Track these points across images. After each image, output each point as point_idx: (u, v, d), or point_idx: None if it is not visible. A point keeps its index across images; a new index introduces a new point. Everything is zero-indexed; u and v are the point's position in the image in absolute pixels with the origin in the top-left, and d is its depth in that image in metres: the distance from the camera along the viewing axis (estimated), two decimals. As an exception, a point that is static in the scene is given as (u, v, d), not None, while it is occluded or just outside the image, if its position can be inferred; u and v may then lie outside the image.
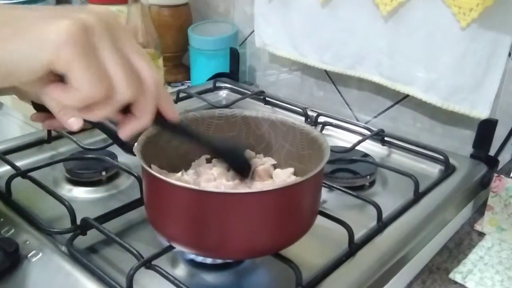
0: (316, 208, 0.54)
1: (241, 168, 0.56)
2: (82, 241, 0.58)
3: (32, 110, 0.73)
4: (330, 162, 0.71)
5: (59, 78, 0.36)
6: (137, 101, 0.39)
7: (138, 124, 0.40)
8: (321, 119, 0.90)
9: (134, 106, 0.39)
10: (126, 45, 0.38)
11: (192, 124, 0.62)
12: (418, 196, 0.69)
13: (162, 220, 0.51)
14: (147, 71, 0.38)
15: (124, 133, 0.41)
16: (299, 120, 0.75)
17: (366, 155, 0.79)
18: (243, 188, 0.57)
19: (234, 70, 1.11)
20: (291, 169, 0.60)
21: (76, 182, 0.72)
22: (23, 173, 0.67)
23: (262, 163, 0.61)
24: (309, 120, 0.91)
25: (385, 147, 0.84)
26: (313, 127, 0.65)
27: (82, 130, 0.82)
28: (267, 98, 1.01)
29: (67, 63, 0.34)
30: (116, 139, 0.62)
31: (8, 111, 1.19)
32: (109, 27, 0.36)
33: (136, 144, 0.53)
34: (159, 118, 0.43)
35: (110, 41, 0.36)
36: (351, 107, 1.00)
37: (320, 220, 0.56)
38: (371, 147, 0.84)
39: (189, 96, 0.99)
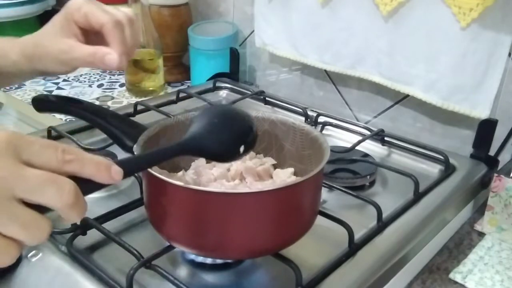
0: (316, 208, 0.54)
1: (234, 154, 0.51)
2: (82, 241, 0.58)
3: (32, 110, 0.73)
4: (330, 162, 0.71)
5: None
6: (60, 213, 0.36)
7: (71, 221, 0.38)
8: (321, 119, 0.90)
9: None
10: (19, 189, 0.33)
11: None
12: (418, 196, 0.69)
13: (162, 220, 0.51)
14: (50, 200, 0.34)
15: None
16: (299, 120, 0.75)
17: (366, 155, 0.79)
18: (243, 188, 0.57)
19: (234, 70, 1.11)
20: (291, 169, 0.60)
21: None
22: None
23: (262, 163, 0.61)
24: (309, 120, 0.91)
25: (385, 147, 0.84)
26: (313, 127, 0.65)
27: (82, 130, 0.83)
28: (267, 98, 1.01)
29: None
30: (116, 139, 0.62)
31: (8, 111, 1.19)
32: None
33: (136, 144, 0.53)
34: (101, 185, 0.38)
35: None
36: (351, 107, 1.00)
37: (320, 220, 0.56)
38: (371, 147, 0.84)
39: (189, 96, 0.99)
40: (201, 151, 0.50)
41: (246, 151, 0.52)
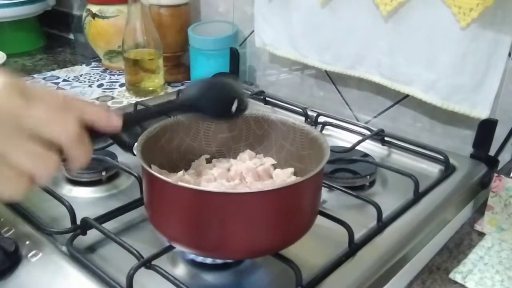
0: (316, 208, 0.54)
1: (228, 112, 0.54)
2: (82, 241, 0.58)
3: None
4: (330, 162, 0.71)
5: None
6: (65, 151, 0.37)
7: (78, 163, 0.38)
8: (321, 119, 0.90)
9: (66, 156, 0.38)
10: (26, 125, 0.35)
11: (192, 124, 0.62)
12: (418, 196, 0.69)
13: (162, 220, 0.51)
14: (55, 135, 0.36)
15: (72, 170, 0.40)
16: (299, 120, 0.75)
17: (366, 155, 0.79)
18: (243, 188, 0.57)
19: (234, 70, 1.11)
20: (291, 169, 0.60)
21: (76, 182, 0.72)
22: (23, 173, 0.67)
23: (262, 163, 0.61)
24: (309, 120, 0.91)
25: (385, 147, 0.84)
26: (313, 127, 0.65)
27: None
28: (267, 98, 1.01)
29: None
30: (116, 139, 0.62)
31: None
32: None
33: (136, 144, 0.53)
34: (103, 135, 0.40)
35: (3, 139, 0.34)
36: (351, 107, 1.00)
37: (320, 220, 0.56)
38: (371, 147, 0.84)
39: (189, 96, 0.99)
40: (197, 107, 0.52)
41: (238, 110, 0.54)
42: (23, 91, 0.36)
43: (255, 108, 0.98)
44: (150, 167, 0.50)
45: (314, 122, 0.90)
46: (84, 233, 0.58)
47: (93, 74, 1.24)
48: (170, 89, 1.16)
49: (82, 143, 0.37)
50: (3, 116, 0.34)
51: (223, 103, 0.54)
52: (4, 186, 0.35)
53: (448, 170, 0.76)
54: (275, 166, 0.62)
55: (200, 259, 0.57)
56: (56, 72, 1.26)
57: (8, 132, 0.34)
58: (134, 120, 0.47)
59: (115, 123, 0.41)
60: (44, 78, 1.21)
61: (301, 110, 0.93)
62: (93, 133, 0.39)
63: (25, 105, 0.35)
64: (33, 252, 0.56)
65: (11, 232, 0.59)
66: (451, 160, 0.77)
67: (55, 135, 0.36)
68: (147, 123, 0.49)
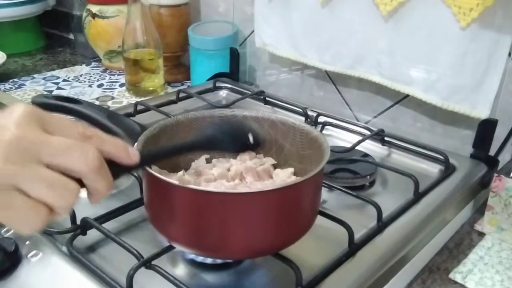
0: (316, 208, 0.54)
1: (245, 144, 0.56)
2: (82, 241, 0.58)
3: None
4: (330, 162, 0.71)
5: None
6: (85, 182, 0.36)
7: (99, 196, 0.38)
8: (321, 119, 0.90)
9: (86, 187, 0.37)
10: (44, 153, 0.34)
11: (192, 124, 0.62)
12: (418, 196, 0.69)
13: (162, 220, 0.51)
14: (75, 164, 0.35)
15: (92, 203, 0.39)
16: (299, 120, 0.75)
17: (366, 155, 0.79)
18: (243, 188, 0.57)
19: (234, 70, 1.11)
20: (291, 169, 0.60)
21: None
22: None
23: (262, 163, 0.61)
24: (309, 120, 0.91)
25: (385, 147, 0.84)
26: (313, 127, 0.65)
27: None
28: (267, 98, 1.01)
29: None
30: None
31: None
32: (23, 153, 0.33)
33: (136, 144, 0.53)
34: (124, 168, 0.39)
35: (26, 168, 0.33)
36: (351, 107, 1.00)
37: (320, 220, 0.56)
38: (371, 147, 0.84)
39: (189, 96, 0.99)
40: (214, 144, 0.53)
41: (256, 143, 0.56)
42: (42, 120, 0.35)
43: (255, 108, 0.98)
44: (150, 167, 0.50)
45: (314, 122, 0.90)
46: (84, 233, 0.58)
47: (93, 74, 1.24)
48: (170, 89, 1.16)
49: (102, 174, 0.36)
50: (21, 144, 0.33)
51: (239, 136, 0.55)
52: (22, 218, 0.34)
53: (448, 170, 0.76)
54: (275, 166, 0.62)
55: (200, 259, 0.57)
56: (56, 72, 1.26)
57: (25, 161, 0.33)
58: (151, 158, 0.46)
59: (134, 158, 0.39)
60: (44, 78, 1.21)
61: (301, 110, 0.93)
62: (111, 165, 0.38)
63: (44, 134, 0.34)
64: (33, 252, 0.56)
65: (11, 232, 0.59)
66: (451, 160, 0.77)
67: (74, 164, 0.34)
68: (162, 161, 0.48)
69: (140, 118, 0.89)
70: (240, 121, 0.56)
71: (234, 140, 0.55)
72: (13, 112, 0.34)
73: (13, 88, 1.14)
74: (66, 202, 0.35)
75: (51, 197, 0.34)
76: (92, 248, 0.58)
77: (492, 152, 0.79)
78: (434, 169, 0.78)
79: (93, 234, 0.58)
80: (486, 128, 0.78)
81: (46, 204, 0.34)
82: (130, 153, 0.39)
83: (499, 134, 0.78)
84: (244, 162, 0.61)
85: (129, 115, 0.89)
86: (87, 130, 0.37)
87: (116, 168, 0.38)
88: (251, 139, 0.55)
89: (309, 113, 0.92)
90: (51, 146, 0.34)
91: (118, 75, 1.23)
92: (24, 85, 1.16)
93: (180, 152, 0.49)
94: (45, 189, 0.33)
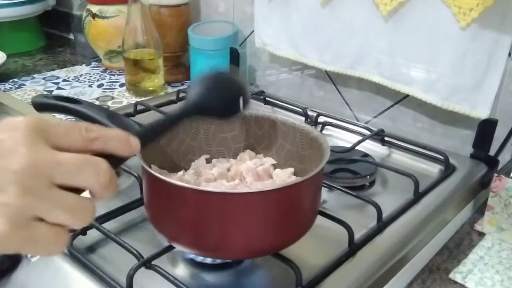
0: (316, 208, 0.54)
1: (235, 109, 0.53)
2: (82, 241, 0.58)
3: (32, 110, 0.73)
4: (330, 162, 0.71)
5: None
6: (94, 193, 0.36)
7: (103, 199, 0.37)
8: (321, 119, 0.90)
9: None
10: (57, 175, 0.33)
11: (192, 124, 0.62)
12: (418, 196, 0.69)
13: (162, 220, 0.51)
14: (87, 183, 0.35)
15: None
16: (299, 120, 0.75)
17: (366, 155, 0.79)
18: (243, 188, 0.57)
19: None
20: (291, 169, 0.60)
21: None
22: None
23: (262, 163, 0.61)
24: (309, 120, 0.91)
25: (385, 147, 0.84)
26: (313, 127, 0.65)
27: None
28: (267, 98, 1.01)
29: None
30: None
31: (8, 110, 1.19)
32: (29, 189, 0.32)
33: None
34: (125, 158, 0.39)
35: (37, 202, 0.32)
36: (351, 107, 1.00)
37: (320, 220, 0.56)
38: (371, 147, 0.84)
39: (189, 96, 0.99)
40: (205, 109, 0.51)
41: (245, 106, 0.53)
42: (47, 132, 0.34)
43: (255, 108, 0.98)
44: (150, 167, 0.50)
45: (314, 122, 0.90)
46: (84, 233, 0.58)
47: (93, 74, 1.24)
48: (170, 89, 1.16)
49: (112, 186, 0.36)
50: (34, 171, 0.32)
51: (231, 101, 0.53)
52: (47, 246, 0.33)
53: (448, 170, 0.76)
54: (275, 166, 0.62)
55: (200, 259, 0.57)
56: (56, 72, 1.26)
57: (41, 188, 0.32)
58: (149, 137, 0.45)
59: (135, 147, 0.39)
60: (44, 78, 1.21)
61: (301, 110, 0.93)
62: (114, 158, 0.38)
63: (52, 154, 0.33)
64: (33, 252, 0.56)
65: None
66: (451, 160, 0.77)
67: (86, 183, 0.34)
68: (162, 136, 0.47)
69: (140, 118, 0.89)
70: (233, 82, 0.53)
71: (225, 105, 0.52)
72: (17, 129, 0.33)
73: (13, 88, 1.15)
74: (85, 222, 0.35)
75: (70, 219, 0.34)
76: (92, 248, 0.58)
77: (492, 152, 0.79)
78: (434, 169, 0.78)
79: (93, 234, 0.58)
80: (486, 128, 0.78)
81: (66, 226, 0.34)
82: (132, 145, 0.39)
83: (499, 134, 0.78)
84: (244, 162, 0.62)
85: (129, 115, 0.89)
86: (90, 133, 0.36)
87: (116, 159, 0.38)
88: (241, 104, 0.53)
89: (309, 113, 0.92)
90: (62, 166, 0.33)
91: (118, 75, 1.23)
92: (24, 85, 1.16)
93: (174, 123, 0.47)
94: (65, 214, 0.33)
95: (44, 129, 0.34)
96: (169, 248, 0.54)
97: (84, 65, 1.31)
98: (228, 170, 0.60)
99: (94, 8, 1.21)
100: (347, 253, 0.57)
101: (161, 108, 0.91)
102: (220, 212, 0.46)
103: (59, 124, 0.35)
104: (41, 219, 0.33)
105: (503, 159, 0.78)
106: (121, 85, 1.16)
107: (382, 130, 0.85)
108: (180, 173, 0.59)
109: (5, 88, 1.14)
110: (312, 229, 0.53)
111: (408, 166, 0.78)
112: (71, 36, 1.51)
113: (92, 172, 0.34)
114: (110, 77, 1.22)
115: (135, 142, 0.39)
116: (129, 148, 0.39)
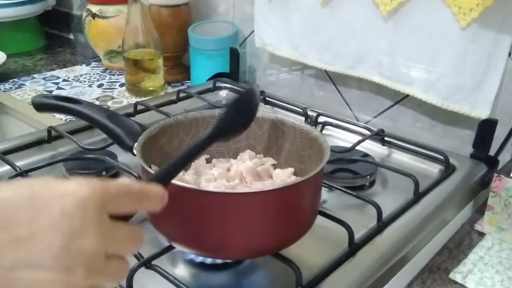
0: (316, 208, 0.54)
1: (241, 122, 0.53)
2: (82, 241, 0.58)
3: (32, 110, 0.73)
4: (330, 162, 0.71)
5: None
6: None
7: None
8: (321, 119, 0.90)
9: None
10: (110, 248, 0.35)
11: (192, 124, 0.62)
12: (418, 196, 0.69)
13: (162, 220, 0.51)
14: (128, 252, 0.38)
15: None
16: (299, 120, 0.75)
17: (366, 155, 0.79)
18: (243, 188, 0.57)
19: (234, 70, 1.11)
20: (291, 169, 0.60)
21: (76, 182, 0.71)
22: (23, 173, 0.67)
23: (262, 163, 0.61)
24: (309, 120, 0.91)
25: (385, 147, 0.84)
26: (313, 127, 0.65)
27: (82, 130, 0.83)
28: (267, 98, 1.01)
29: None
30: (116, 139, 0.62)
31: (8, 110, 1.19)
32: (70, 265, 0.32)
33: (136, 144, 0.53)
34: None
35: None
36: (351, 107, 1.00)
37: (320, 220, 0.56)
38: (371, 147, 0.84)
39: (189, 96, 0.99)
40: (222, 137, 0.51)
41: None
42: (106, 206, 0.34)
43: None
44: (150, 167, 0.50)
45: (314, 122, 0.90)
46: (84, 233, 0.58)
47: (93, 74, 1.24)
48: (170, 89, 1.16)
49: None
50: (99, 257, 0.33)
51: (243, 123, 0.53)
52: None
53: (448, 170, 0.76)
54: (275, 166, 0.62)
55: (200, 259, 0.57)
56: (56, 72, 1.26)
57: (100, 265, 0.34)
58: (173, 176, 0.44)
59: (165, 201, 0.40)
60: (44, 78, 1.21)
61: (301, 110, 0.93)
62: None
63: (112, 231, 0.35)
64: (33, 252, 0.55)
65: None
66: (451, 160, 0.77)
67: (128, 252, 0.37)
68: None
69: (140, 118, 0.89)
70: (247, 94, 0.53)
71: (245, 116, 0.53)
72: (85, 208, 0.33)
73: (13, 88, 1.15)
74: (124, 277, 0.38)
75: (113, 282, 0.36)
76: (92, 248, 0.58)
77: (492, 152, 0.79)
78: (434, 169, 0.78)
79: (93, 234, 0.58)
80: (486, 128, 0.78)
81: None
82: (163, 199, 0.40)
83: (499, 134, 0.78)
84: (244, 162, 0.62)
85: (129, 115, 0.89)
86: (137, 203, 0.38)
87: None
88: (256, 111, 0.53)
89: (309, 113, 0.92)
90: (117, 243, 0.35)
91: (118, 75, 1.23)
92: (24, 85, 1.16)
93: (196, 154, 0.47)
94: (111, 281, 0.36)
95: (106, 201, 0.35)
96: (169, 248, 0.54)
97: (84, 65, 1.31)
98: (228, 170, 0.60)
99: (94, 8, 1.21)
100: (347, 253, 0.57)
101: (161, 108, 0.91)
102: (220, 212, 0.46)
103: (120, 195, 0.36)
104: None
105: (503, 159, 0.78)
106: (121, 85, 1.16)
107: (382, 130, 0.85)
108: (180, 173, 0.59)
109: (5, 88, 1.14)
110: (312, 229, 0.53)
111: (408, 166, 0.78)
112: (71, 36, 1.52)
113: (135, 243, 0.37)
114: (110, 77, 1.22)
115: (164, 196, 0.40)
116: (162, 205, 0.40)
